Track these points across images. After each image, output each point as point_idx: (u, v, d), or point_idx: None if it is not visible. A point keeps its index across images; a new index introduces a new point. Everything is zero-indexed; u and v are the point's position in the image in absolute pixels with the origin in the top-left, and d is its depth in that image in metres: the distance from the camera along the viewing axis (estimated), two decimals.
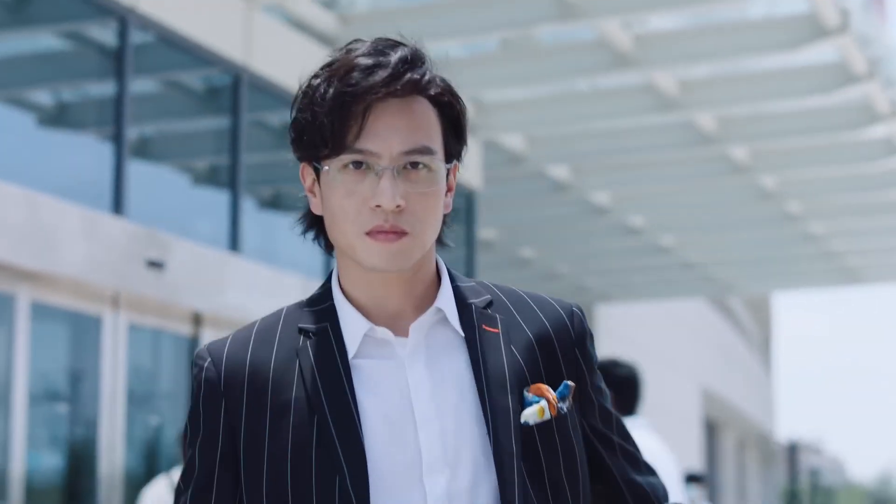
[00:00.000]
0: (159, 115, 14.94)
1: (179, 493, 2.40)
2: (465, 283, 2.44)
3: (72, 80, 14.00)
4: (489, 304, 2.41)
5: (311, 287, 14.02)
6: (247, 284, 14.03)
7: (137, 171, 13.16)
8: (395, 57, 2.30)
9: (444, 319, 2.39)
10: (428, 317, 2.36)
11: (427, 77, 2.33)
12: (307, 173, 2.38)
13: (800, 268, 28.35)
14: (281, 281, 14.43)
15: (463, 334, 2.37)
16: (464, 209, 17.60)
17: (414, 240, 2.30)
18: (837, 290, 37.01)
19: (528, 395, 2.34)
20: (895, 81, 18.42)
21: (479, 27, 15.16)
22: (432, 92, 2.34)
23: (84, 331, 12.52)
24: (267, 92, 14.87)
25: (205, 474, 2.36)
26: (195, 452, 2.37)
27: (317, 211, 2.39)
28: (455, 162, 2.39)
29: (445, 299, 2.38)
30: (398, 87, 2.28)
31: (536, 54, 16.71)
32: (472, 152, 17.70)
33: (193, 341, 13.71)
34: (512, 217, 22.70)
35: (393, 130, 2.28)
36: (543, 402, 2.34)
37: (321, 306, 2.40)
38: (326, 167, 2.31)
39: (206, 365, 2.38)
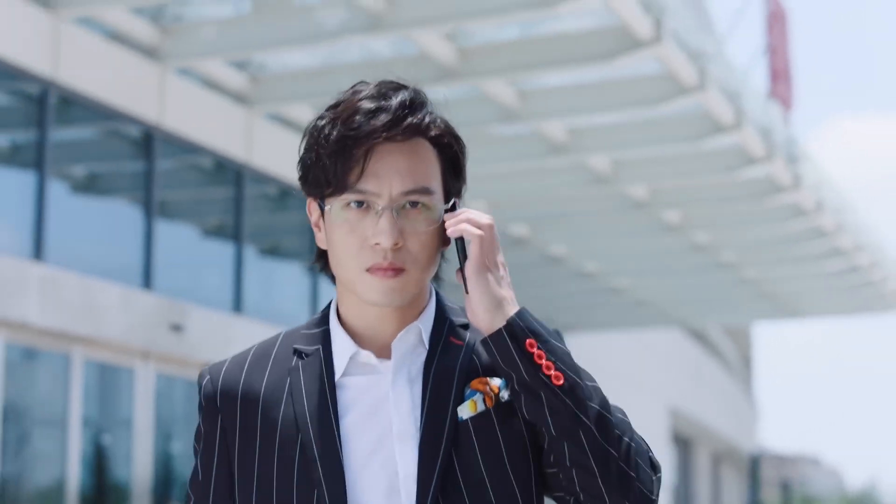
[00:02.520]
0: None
1: (188, 500, 2.47)
2: (452, 307, 2.46)
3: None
4: (466, 326, 2.43)
5: None
6: (249, 339, 16.58)
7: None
8: (396, 101, 2.31)
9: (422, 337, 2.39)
10: (406, 334, 2.37)
11: (427, 120, 2.34)
12: (313, 208, 2.40)
13: (724, 298, 29.47)
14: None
15: (427, 346, 2.38)
16: None
17: (410, 276, 2.32)
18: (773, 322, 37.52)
19: (467, 391, 2.35)
20: (767, 130, 19.66)
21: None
22: (432, 134, 2.35)
23: (121, 380, 15.12)
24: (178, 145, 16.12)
25: (204, 482, 2.42)
26: (198, 463, 2.44)
27: (321, 245, 2.40)
28: (454, 200, 2.38)
29: (426, 319, 2.40)
30: (399, 132, 2.30)
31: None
32: None
33: None
34: None
35: (393, 172, 2.29)
36: (478, 396, 2.34)
37: (317, 330, 2.43)
38: (329, 206, 2.33)
39: (204, 383, 2.43)
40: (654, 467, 2.36)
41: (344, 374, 2.37)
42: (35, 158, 14.16)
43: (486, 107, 17.28)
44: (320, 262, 2.45)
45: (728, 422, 50.77)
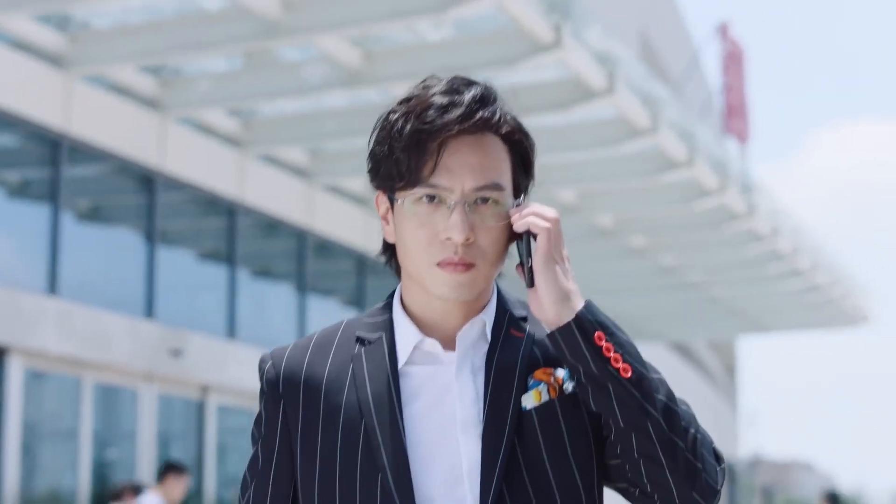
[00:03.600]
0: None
1: (245, 486, 2.46)
2: (511, 299, 2.45)
3: None
4: (525, 319, 2.41)
5: None
6: (243, 362, 17.74)
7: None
8: (468, 95, 2.31)
9: (485, 331, 2.38)
10: (471, 327, 2.36)
11: (498, 115, 2.33)
12: (381, 201, 2.39)
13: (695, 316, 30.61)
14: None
15: (490, 338, 2.37)
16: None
17: (479, 272, 2.31)
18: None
19: (531, 381, 2.33)
20: (721, 164, 20.77)
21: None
22: (504, 130, 2.34)
23: (127, 400, 16.51)
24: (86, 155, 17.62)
25: (265, 467, 2.41)
26: (258, 448, 2.44)
27: (389, 239, 2.39)
28: (523, 196, 2.37)
29: (489, 312, 2.39)
30: (471, 126, 2.29)
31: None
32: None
33: (201, 403, 17.50)
34: None
35: (465, 167, 2.28)
36: (542, 386, 2.32)
37: (380, 318, 2.42)
38: (400, 199, 2.32)
39: (267, 367, 2.43)
40: (718, 458, 2.35)
41: (407, 363, 2.36)
42: (49, 199, 15.54)
43: None
44: (386, 254, 2.43)
45: (710, 431, 51.47)
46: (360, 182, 20.36)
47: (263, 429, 2.44)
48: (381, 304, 2.46)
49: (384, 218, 2.40)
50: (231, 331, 18.37)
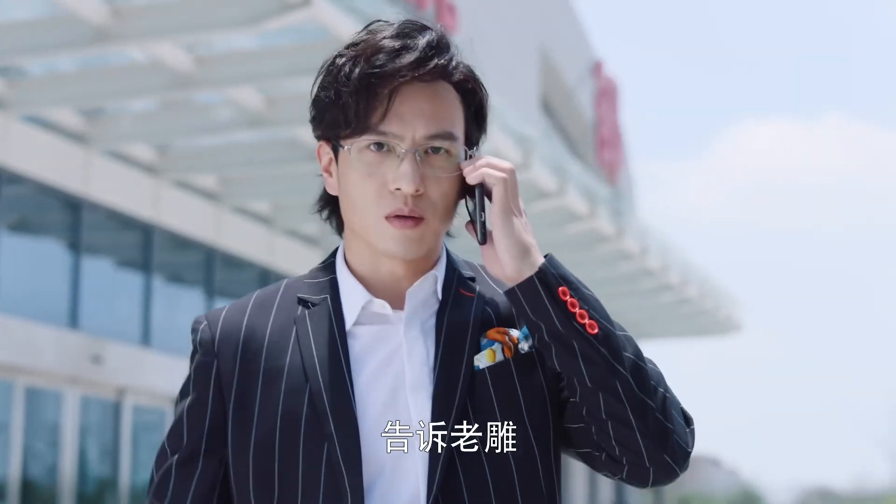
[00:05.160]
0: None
1: (164, 456, 2.24)
2: (458, 259, 2.33)
3: None
4: (472, 279, 2.30)
5: None
6: (157, 368, 19.25)
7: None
8: (422, 41, 2.16)
9: (436, 288, 2.24)
10: (422, 283, 2.23)
11: (453, 63, 2.20)
12: (324, 152, 2.24)
13: None
14: (176, 365, 18.94)
15: (440, 297, 2.24)
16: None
17: (428, 226, 2.17)
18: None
19: (483, 340, 2.21)
20: (591, 193, 22.04)
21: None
22: (457, 78, 2.21)
23: (53, 400, 17.83)
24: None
25: (192, 435, 2.21)
26: (183, 415, 2.22)
27: (332, 191, 2.25)
28: (475, 148, 2.23)
29: (440, 269, 2.26)
30: (425, 72, 2.14)
31: None
32: None
33: (118, 403, 18.82)
34: None
35: (418, 114, 2.14)
36: (497, 346, 2.21)
37: (323, 279, 2.27)
38: (346, 146, 2.16)
39: (201, 328, 2.25)
40: (688, 420, 2.23)
41: (355, 324, 2.22)
42: None
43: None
44: (327, 209, 2.30)
45: None
46: (264, 204, 21.89)
47: (192, 392, 2.24)
48: (321, 265, 2.32)
49: (326, 170, 2.26)
50: (145, 339, 19.82)
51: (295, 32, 16.26)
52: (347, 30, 15.04)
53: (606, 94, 25.94)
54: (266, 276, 22.76)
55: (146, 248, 20.25)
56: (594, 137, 25.10)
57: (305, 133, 18.35)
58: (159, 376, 19.41)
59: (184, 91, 16.71)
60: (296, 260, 22.69)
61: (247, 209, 22.06)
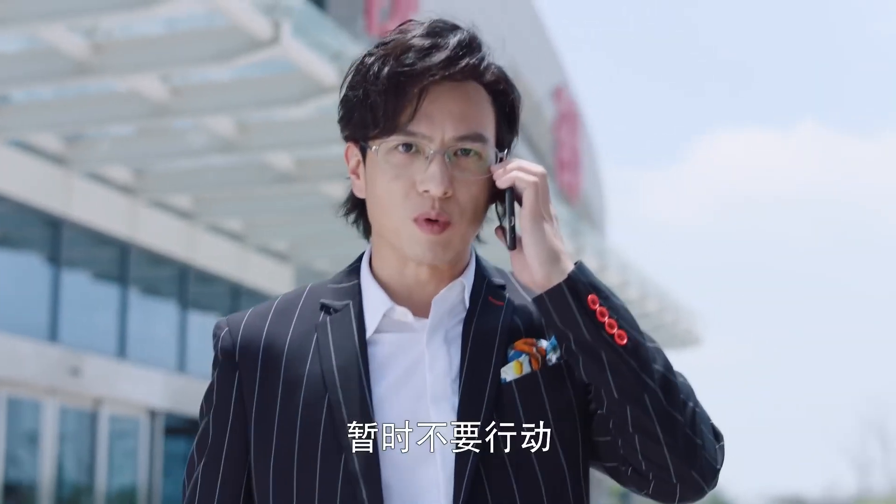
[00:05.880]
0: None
1: (193, 463, 2.23)
2: (489, 267, 2.25)
3: None
4: (503, 287, 2.22)
5: (172, 380, 20.38)
6: (132, 380, 19.94)
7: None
8: (453, 40, 2.11)
9: (463, 296, 2.17)
10: (449, 291, 2.17)
11: (484, 63, 2.15)
12: (352, 154, 2.20)
13: None
14: (151, 376, 20.22)
15: (468, 305, 2.17)
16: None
17: (456, 231, 2.12)
18: None
19: (511, 352, 2.14)
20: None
21: None
22: (488, 79, 2.15)
23: (34, 410, 18.43)
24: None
25: (216, 443, 2.19)
26: (209, 422, 2.20)
27: (359, 194, 2.20)
28: (506, 151, 2.17)
29: (468, 277, 2.20)
30: (456, 72, 2.09)
31: None
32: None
33: (95, 414, 19.39)
34: None
35: (447, 115, 2.09)
36: (524, 357, 2.14)
37: (346, 284, 2.22)
38: (375, 147, 2.12)
39: (222, 335, 2.22)
40: (717, 436, 2.16)
41: (376, 332, 2.16)
42: None
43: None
44: (354, 212, 2.25)
45: None
46: (236, 223, 22.57)
47: (215, 400, 2.21)
48: (347, 269, 2.27)
49: (354, 172, 2.21)
50: (121, 351, 20.49)
51: (265, 65, 16.99)
52: (314, 65, 16.02)
53: (567, 119, 26.58)
54: (238, 291, 23.49)
55: (123, 265, 20.84)
56: (554, 159, 25.62)
57: (275, 157, 19.31)
58: (134, 387, 20.11)
59: (160, 119, 17.52)
60: (266, 275, 23.28)
61: (219, 227, 22.67)
